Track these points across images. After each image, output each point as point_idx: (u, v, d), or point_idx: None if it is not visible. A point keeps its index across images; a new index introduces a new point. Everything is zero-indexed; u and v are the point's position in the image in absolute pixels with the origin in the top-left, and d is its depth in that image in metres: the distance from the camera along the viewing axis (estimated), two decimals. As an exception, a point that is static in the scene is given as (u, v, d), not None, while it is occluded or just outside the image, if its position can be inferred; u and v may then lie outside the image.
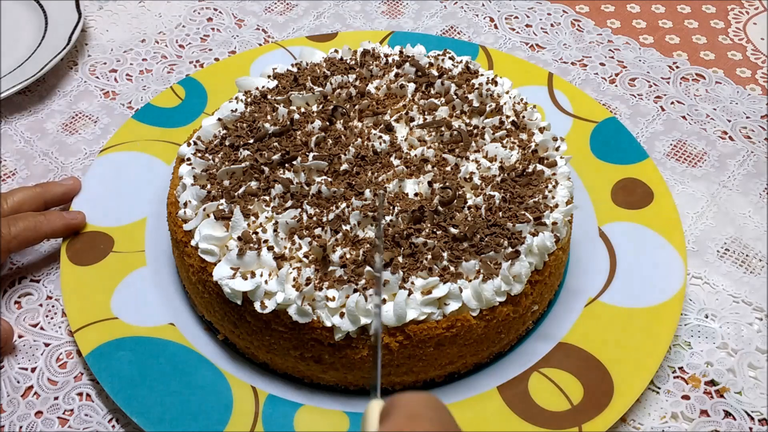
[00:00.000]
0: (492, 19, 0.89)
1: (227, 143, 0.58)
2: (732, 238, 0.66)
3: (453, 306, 0.50)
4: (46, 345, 0.58)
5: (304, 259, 0.51)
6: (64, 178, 0.66)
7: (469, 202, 0.54)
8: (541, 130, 0.60)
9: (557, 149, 0.59)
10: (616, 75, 0.81)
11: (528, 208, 0.54)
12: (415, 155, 0.57)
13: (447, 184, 0.54)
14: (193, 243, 0.53)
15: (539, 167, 0.56)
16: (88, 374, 0.57)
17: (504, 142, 0.58)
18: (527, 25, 0.88)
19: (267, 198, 0.54)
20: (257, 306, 0.50)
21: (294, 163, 0.55)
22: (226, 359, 0.55)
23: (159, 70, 0.82)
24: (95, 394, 0.55)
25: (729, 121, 0.76)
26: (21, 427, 0.53)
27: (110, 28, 0.88)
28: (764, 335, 0.59)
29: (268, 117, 0.60)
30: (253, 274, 0.50)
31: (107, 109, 0.78)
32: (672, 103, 0.78)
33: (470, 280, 0.50)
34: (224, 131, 0.59)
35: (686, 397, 0.55)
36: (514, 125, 0.60)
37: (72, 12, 0.83)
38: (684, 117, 0.77)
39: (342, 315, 0.49)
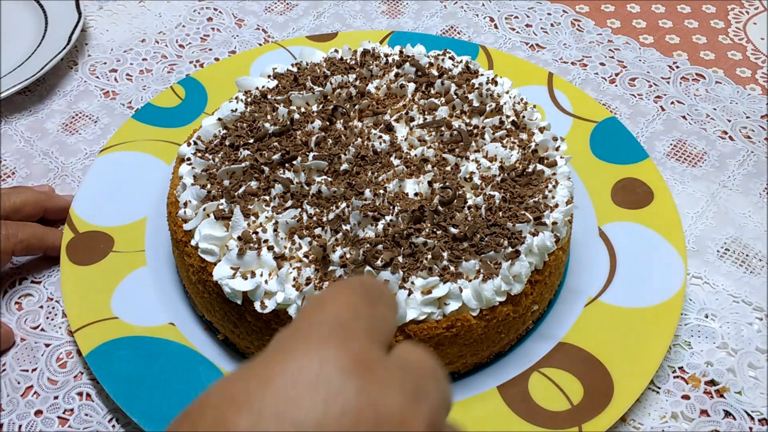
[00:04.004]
0: (492, 19, 0.89)
1: (227, 143, 0.58)
2: (732, 238, 0.66)
3: (453, 306, 0.50)
4: (47, 345, 0.58)
5: (304, 259, 0.51)
6: (67, 195, 0.67)
7: (469, 202, 0.54)
8: (541, 129, 0.60)
9: (557, 149, 0.59)
10: (616, 75, 0.81)
11: (528, 208, 0.54)
12: (415, 155, 0.57)
13: (447, 183, 0.54)
14: (193, 243, 0.53)
15: (539, 167, 0.56)
16: (88, 374, 0.57)
17: (504, 141, 0.58)
18: (527, 25, 0.88)
19: (267, 198, 0.54)
20: (257, 306, 0.50)
21: (294, 163, 0.55)
22: (226, 359, 0.55)
23: (159, 70, 0.82)
24: (95, 393, 0.55)
25: (729, 121, 0.76)
26: (20, 426, 0.54)
27: (110, 28, 0.88)
28: (764, 335, 0.59)
29: (268, 117, 0.60)
30: (253, 274, 0.50)
31: (107, 109, 0.78)
32: (672, 103, 0.78)
33: (470, 280, 0.50)
34: (224, 131, 0.59)
35: (686, 397, 0.55)
36: (514, 125, 0.60)
37: (72, 12, 0.83)
38: (684, 117, 0.77)
39: (342, 315, 0.49)
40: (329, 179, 0.55)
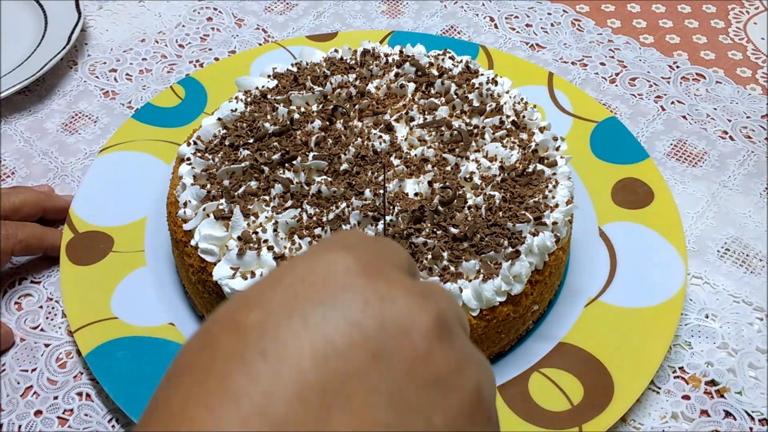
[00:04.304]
0: (492, 19, 0.88)
1: (227, 143, 0.58)
2: (732, 238, 0.66)
3: (453, 306, 0.49)
4: (46, 345, 0.58)
5: (304, 259, 0.51)
6: (66, 195, 0.67)
7: (470, 202, 0.54)
8: (542, 129, 0.60)
9: (557, 149, 0.59)
10: (617, 75, 0.81)
11: (528, 208, 0.54)
12: (415, 155, 0.57)
13: (447, 183, 0.54)
14: (192, 243, 0.53)
15: (539, 167, 0.56)
16: (87, 374, 0.57)
17: (504, 141, 0.58)
18: (527, 25, 0.88)
19: (267, 198, 0.54)
20: (257, 306, 0.49)
21: (294, 162, 0.55)
22: (226, 359, 0.55)
23: (159, 69, 0.82)
24: (95, 393, 0.55)
25: (729, 120, 0.76)
26: (20, 426, 0.53)
27: (110, 28, 0.88)
28: (764, 335, 0.59)
29: (268, 117, 0.60)
30: (253, 274, 0.50)
31: (107, 108, 0.78)
32: (672, 102, 0.78)
33: (470, 280, 0.50)
34: (224, 131, 0.59)
35: (686, 397, 0.55)
36: (515, 125, 0.60)
37: (72, 12, 0.83)
38: (684, 117, 0.77)
39: (342, 315, 0.48)
40: (329, 179, 0.55)
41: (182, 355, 0.25)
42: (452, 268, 0.50)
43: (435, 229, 0.52)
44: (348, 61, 0.66)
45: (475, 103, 0.61)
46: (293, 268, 0.26)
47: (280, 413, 0.22)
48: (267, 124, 0.58)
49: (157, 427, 0.23)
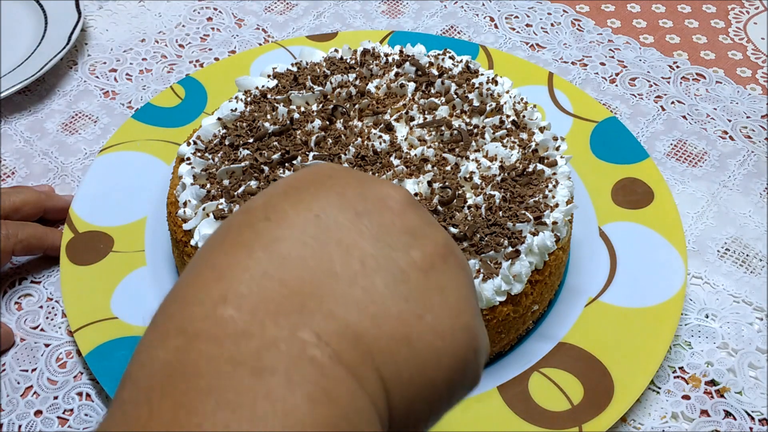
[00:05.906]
0: (492, 19, 0.88)
1: (227, 143, 0.58)
2: (732, 238, 0.66)
3: (453, 306, 0.49)
4: (47, 345, 0.58)
5: (304, 259, 0.50)
6: (67, 195, 0.67)
7: (469, 202, 0.54)
8: (542, 129, 0.60)
9: (557, 149, 0.59)
10: (617, 75, 0.81)
11: (528, 208, 0.54)
12: (415, 155, 0.57)
13: (447, 183, 0.54)
14: (192, 242, 0.53)
15: (539, 167, 0.56)
16: (87, 374, 0.57)
17: (504, 141, 0.58)
18: (527, 25, 0.88)
19: (267, 198, 0.54)
20: (257, 306, 0.49)
21: (294, 162, 0.55)
22: (226, 359, 0.55)
23: (159, 69, 0.82)
24: (95, 393, 0.55)
25: (729, 120, 0.76)
26: (20, 426, 0.54)
27: (110, 28, 0.88)
28: (764, 335, 0.59)
29: (268, 116, 0.60)
30: (252, 274, 0.50)
31: (107, 108, 0.78)
32: (672, 102, 0.78)
33: (470, 280, 0.50)
34: (224, 131, 0.59)
35: (686, 397, 0.55)
36: (515, 125, 0.60)
37: (72, 12, 0.83)
38: (684, 117, 0.77)
39: (342, 315, 0.48)
40: (329, 179, 0.55)
41: (206, 240, 0.31)
42: (452, 268, 0.50)
43: (435, 229, 0.52)
44: (348, 61, 0.66)
45: (475, 103, 0.61)
46: (289, 176, 0.32)
47: (283, 251, 0.27)
48: (267, 124, 0.58)
49: (188, 276, 0.28)
